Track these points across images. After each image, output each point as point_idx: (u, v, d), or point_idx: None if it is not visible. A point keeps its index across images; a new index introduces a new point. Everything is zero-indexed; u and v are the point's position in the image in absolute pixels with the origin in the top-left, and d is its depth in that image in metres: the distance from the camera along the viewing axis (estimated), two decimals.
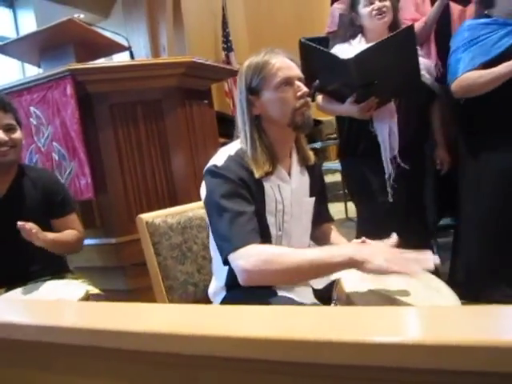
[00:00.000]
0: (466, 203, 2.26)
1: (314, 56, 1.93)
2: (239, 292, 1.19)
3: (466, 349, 0.55)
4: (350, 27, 2.00)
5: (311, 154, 1.34)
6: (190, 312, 0.71)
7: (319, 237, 1.45)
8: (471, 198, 2.22)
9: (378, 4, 1.91)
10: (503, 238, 2.10)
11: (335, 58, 1.83)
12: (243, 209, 1.11)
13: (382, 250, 1.03)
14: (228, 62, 5.24)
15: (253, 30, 5.65)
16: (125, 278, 2.07)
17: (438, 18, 2.33)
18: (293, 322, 0.64)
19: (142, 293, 1.51)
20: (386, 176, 1.96)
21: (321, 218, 1.44)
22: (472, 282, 2.23)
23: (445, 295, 1.10)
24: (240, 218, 1.10)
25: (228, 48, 5.43)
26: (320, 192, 1.40)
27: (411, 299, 1.05)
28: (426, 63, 2.08)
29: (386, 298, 1.05)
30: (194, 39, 4.99)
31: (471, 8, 2.40)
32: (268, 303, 1.12)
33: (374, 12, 1.91)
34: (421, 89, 2.00)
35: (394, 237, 1.15)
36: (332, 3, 2.92)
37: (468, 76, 2.01)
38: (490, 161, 2.08)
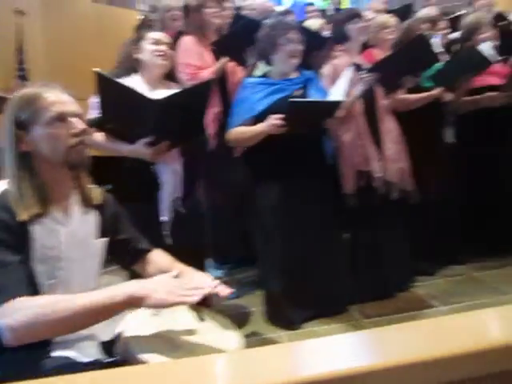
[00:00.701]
0: (257, 240, 2.45)
1: (110, 90, 1.85)
2: (8, 357, 1.02)
3: None
4: (127, 60, 2.02)
5: (96, 194, 1.27)
6: None
7: (153, 270, 1.36)
8: (259, 234, 2.41)
9: (163, 47, 1.99)
10: (294, 267, 2.34)
11: (140, 96, 1.79)
12: (5, 258, 0.99)
13: (164, 283, 1.02)
14: None
15: (53, 59, 5.22)
16: None
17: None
18: None
19: None
20: (164, 220, 1.95)
21: (140, 251, 1.38)
22: (278, 311, 2.39)
23: (229, 336, 1.12)
24: (2, 269, 0.97)
25: (22, 77, 4.92)
26: (120, 229, 1.34)
27: (198, 339, 1.06)
28: None
29: (171, 343, 1.03)
30: None
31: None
32: (41, 367, 1.01)
33: (158, 52, 1.97)
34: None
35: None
36: None
37: (237, 130, 2.28)
38: (270, 200, 2.32)
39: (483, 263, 2.90)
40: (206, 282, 1.10)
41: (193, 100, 1.92)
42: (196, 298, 0.98)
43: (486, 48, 2.62)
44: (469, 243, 2.93)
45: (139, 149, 1.88)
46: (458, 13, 4.03)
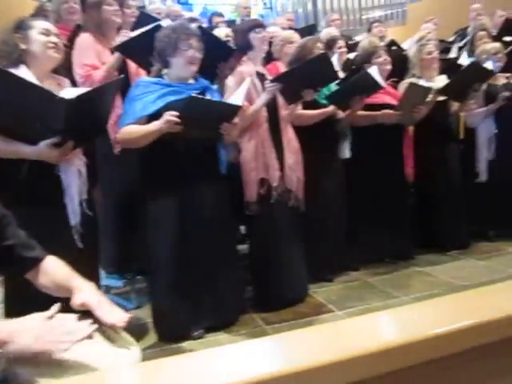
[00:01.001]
0: (147, 250, 2.34)
1: (6, 86, 1.67)
2: None
3: None
4: (12, 51, 1.83)
5: None
6: None
7: (45, 281, 1.21)
8: (149, 244, 2.31)
9: (55, 39, 1.87)
10: (185, 279, 2.26)
11: (49, 94, 1.65)
12: None
13: (33, 326, 0.91)
14: None
15: None
16: None
17: (117, 68, 2.51)
18: None
19: None
20: (72, 224, 1.85)
21: (29, 260, 1.22)
22: (169, 325, 2.31)
23: (124, 349, 1.06)
24: None
25: None
26: (4, 235, 1.19)
27: (90, 353, 0.97)
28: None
29: (59, 358, 0.92)
30: None
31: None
32: None
33: (51, 44, 1.85)
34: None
35: (55, 307, 1.01)
36: None
37: (126, 129, 2.20)
38: (161, 209, 2.25)
39: (375, 269, 3.11)
40: (82, 324, 0.98)
41: (100, 98, 1.86)
42: (66, 346, 0.89)
43: (373, 72, 2.83)
44: (364, 250, 3.13)
45: (44, 150, 1.74)
46: (357, 38, 4.36)
